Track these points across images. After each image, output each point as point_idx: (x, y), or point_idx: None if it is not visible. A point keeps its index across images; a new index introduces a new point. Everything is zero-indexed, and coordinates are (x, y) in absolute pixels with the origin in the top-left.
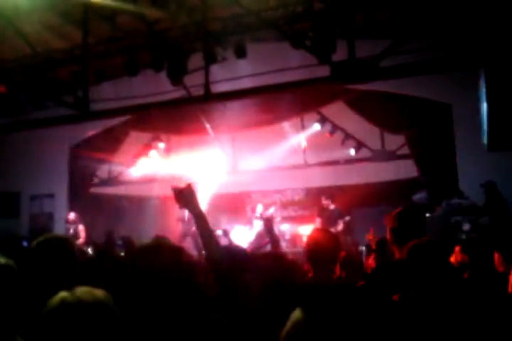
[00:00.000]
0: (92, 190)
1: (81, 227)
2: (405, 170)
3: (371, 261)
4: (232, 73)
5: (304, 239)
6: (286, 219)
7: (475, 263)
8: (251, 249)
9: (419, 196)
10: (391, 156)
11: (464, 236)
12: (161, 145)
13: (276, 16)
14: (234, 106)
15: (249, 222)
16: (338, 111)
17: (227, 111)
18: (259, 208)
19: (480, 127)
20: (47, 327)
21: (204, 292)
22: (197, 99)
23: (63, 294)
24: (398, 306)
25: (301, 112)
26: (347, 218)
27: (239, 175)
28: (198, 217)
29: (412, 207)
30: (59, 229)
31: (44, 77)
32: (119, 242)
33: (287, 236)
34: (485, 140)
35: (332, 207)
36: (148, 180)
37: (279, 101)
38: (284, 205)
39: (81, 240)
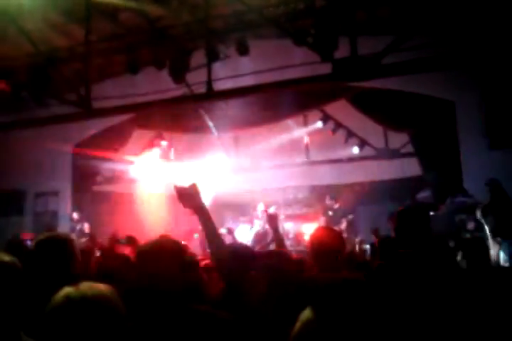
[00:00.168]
0: (96, 187)
1: (86, 225)
2: (409, 168)
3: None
4: (235, 71)
5: (307, 238)
6: (290, 217)
7: (473, 259)
8: (255, 248)
9: (423, 194)
10: (395, 154)
11: (468, 235)
12: (164, 143)
13: (278, 13)
14: (236, 104)
15: (252, 221)
16: (341, 108)
17: (229, 109)
18: (260, 206)
19: (483, 124)
20: (52, 323)
21: (208, 290)
22: (199, 97)
23: (68, 289)
24: (405, 302)
25: (304, 110)
26: (350, 216)
27: (242, 173)
28: (203, 215)
29: (416, 206)
30: (63, 227)
31: (47, 75)
32: (123, 241)
33: (291, 235)
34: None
35: (336, 206)
36: (152, 178)
37: (281, 98)
38: (288, 203)
39: (87, 238)
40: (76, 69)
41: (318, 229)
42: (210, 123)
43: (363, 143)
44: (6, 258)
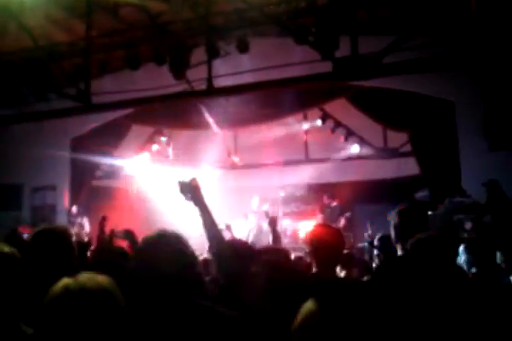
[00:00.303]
0: (95, 182)
1: (85, 219)
2: (408, 167)
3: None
4: (235, 68)
5: (303, 235)
6: (287, 214)
7: (479, 262)
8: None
9: (421, 194)
10: (393, 153)
11: (465, 235)
12: (163, 139)
13: (279, 11)
14: (236, 101)
15: (246, 215)
16: (341, 107)
17: (229, 106)
18: (255, 200)
19: (483, 126)
20: (50, 314)
21: (207, 285)
22: (199, 93)
23: (66, 280)
24: (405, 299)
25: (304, 108)
26: (347, 214)
27: (240, 169)
28: (203, 210)
29: (415, 205)
30: (61, 221)
31: (47, 70)
32: (120, 235)
33: (288, 232)
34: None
35: (334, 204)
36: (150, 174)
37: (281, 96)
38: (286, 201)
39: (86, 232)
40: (76, 64)
41: (317, 227)
42: (210, 120)
43: (362, 142)
44: (6, 248)
